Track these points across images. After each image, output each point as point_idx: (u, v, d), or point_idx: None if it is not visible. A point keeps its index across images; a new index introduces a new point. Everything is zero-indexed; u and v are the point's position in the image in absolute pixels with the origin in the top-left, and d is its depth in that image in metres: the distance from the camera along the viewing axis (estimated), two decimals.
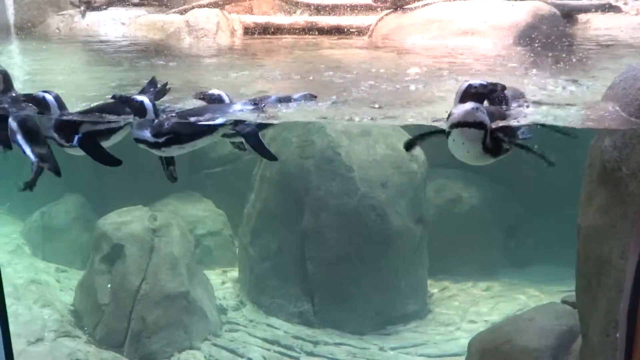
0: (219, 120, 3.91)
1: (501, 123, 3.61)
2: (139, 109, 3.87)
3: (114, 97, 3.99)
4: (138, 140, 3.93)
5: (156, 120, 3.88)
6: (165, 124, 3.88)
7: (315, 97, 4.23)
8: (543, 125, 3.84)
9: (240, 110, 4.00)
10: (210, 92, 4.25)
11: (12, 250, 9.27)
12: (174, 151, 3.99)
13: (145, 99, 3.90)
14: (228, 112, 3.98)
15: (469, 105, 3.40)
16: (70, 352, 7.04)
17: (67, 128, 4.07)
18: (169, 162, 4.17)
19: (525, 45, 6.70)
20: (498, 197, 8.95)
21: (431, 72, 5.60)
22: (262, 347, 7.40)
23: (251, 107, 4.03)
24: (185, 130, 3.89)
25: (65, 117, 4.04)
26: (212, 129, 3.93)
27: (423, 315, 7.95)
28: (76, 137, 4.08)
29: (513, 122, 3.77)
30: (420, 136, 3.91)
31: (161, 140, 3.87)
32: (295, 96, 4.22)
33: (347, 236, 7.60)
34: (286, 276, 7.91)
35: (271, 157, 4.60)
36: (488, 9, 7.25)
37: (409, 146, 4.21)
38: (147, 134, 3.88)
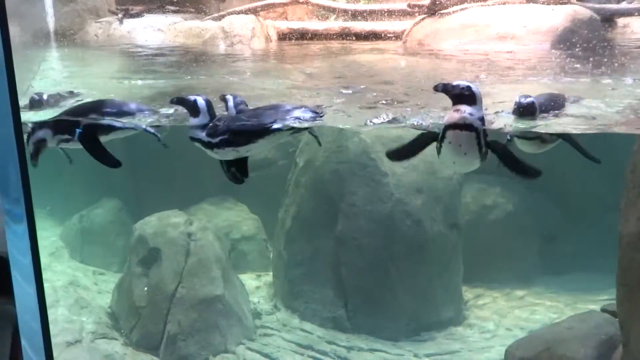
0: (276, 125, 3.86)
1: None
2: (192, 108, 3.87)
3: (171, 101, 4.01)
4: (193, 139, 3.92)
5: (214, 120, 3.86)
6: (221, 124, 3.85)
7: (319, 113, 4.17)
8: (568, 141, 3.88)
9: (299, 117, 3.96)
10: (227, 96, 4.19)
11: (52, 253, 9.44)
12: (228, 154, 3.95)
13: (199, 97, 3.90)
14: (287, 117, 3.94)
15: (463, 108, 3.48)
16: (107, 353, 7.14)
17: (68, 123, 4.13)
18: (229, 163, 4.12)
19: (565, 50, 6.61)
20: (535, 203, 8.83)
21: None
22: (296, 351, 7.40)
23: (310, 113, 4.01)
24: (241, 133, 3.84)
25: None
26: (268, 133, 3.88)
27: (458, 322, 7.87)
28: (77, 132, 4.11)
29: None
30: (412, 146, 3.92)
31: (215, 140, 3.85)
32: (302, 111, 4.15)
33: (381, 242, 7.57)
34: (320, 281, 7.90)
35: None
36: (525, 14, 7.17)
37: (394, 158, 4.15)
38: (201, 134, 3.86)
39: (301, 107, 4.12)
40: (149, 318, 7.43)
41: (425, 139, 3.82)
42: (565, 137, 4.03)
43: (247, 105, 4.17)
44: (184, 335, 7.26)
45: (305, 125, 3.98)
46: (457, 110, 3.51)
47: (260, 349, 7.43)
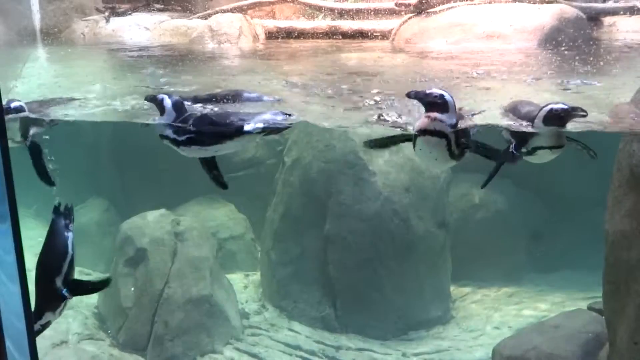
0: (247, 127, 3.87)
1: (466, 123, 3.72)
2: (159, 106, 3.89)
3: (145, 98, 4.02)
4: (161, 137, 3.92)
5: (181, 118, 3.86)
6: (189, 123, 3.85)
7: (290, 115, 4.15)
8: (570, 139, 3.77)
9: (269, 119, 3.96)
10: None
11: (38, 254, 9.35)
12: (194, 152, 3.94)
13: (165, 96, 3.90)
14: (256, 119, 3.94)
15: (434, 115, 3.53)
16: (94, 354, 7.09)
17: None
18: (210, 165, 4.11)
19: (551, 49, 6.63)
20: (523, 202, 8.86)
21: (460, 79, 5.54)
22: (284, 351, 7.39)
23: (281, 116, 4.01)
24: (208, 132, 3.84)
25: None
26: (235, 134, 3.88)
27: (446, 320, 7.89)
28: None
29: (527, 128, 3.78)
30: (390, 138, 3.96)
31: (181, 138, 3.84)
32: (272, 114, 4.13)
33: (369, 241, 7.56)
34: (308, 280, 7.89)
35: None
36: (512, 13, 7.19)
37: (371, 144, 4.17)
38: (169, 131, 3.86)
39: (257, 96, 4.14)
40: (135, 319, 7.39)
41: (401, 138, 3.88)
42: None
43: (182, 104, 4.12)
44: (171, 336, 7.22)
45: (274, 127, 3.98)
46: (428, 117, 3.55)
47: (248, 349, 7.40)
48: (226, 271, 8.47)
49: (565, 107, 3.58)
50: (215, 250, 8.12)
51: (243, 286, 8.70)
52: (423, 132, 3.57)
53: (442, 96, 3.54)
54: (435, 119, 3.52)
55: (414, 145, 3.68)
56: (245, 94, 4.28)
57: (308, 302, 7.87)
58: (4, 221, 2.38)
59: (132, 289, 7.49)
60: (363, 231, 7.57)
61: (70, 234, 4.32)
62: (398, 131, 4.05)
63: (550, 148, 3.76)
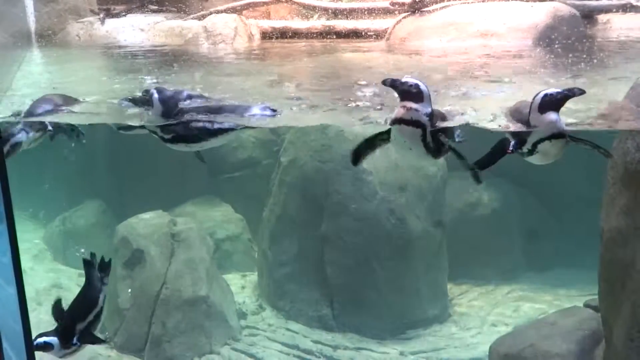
0: (229, 124, 3.94)
1: (444, 124, 3.66)
2: (150, 101, 3.98)
3: (143, 93, 4.11)
4: (150, 132, 4.06)
5: (170, 114, 3.97)
6: (175, 122, 3.95)
7: (275, 110, 4.16)
8: (574, 139, 3.62)
9: (257, 114, 4.01)
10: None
11: (35, 255, 9.36)
12: (181, 148, 4.09)
13: (155, 91, 3.98)
14: (244, 114, 3.99)
15: (409, 104, 3.47)
16: (91, 356, 7.08)
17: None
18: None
19: (545, 47, 6.64)
20: (519, 200, 8.88)
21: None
22: (282, 351, 7.40)
23: (269, 112, 4.04)
24: (192, 132, 3.95)
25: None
26: (220, 131, 3.95)
27: (443, 319, 7.90)
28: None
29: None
30: (365, 144, 3.91)
31: (167, 137, 3.98)
32: (260, 109, 4.15)
33: (366, 240, 7.57)
34: (305, 280, 7.90)
35: None
36: (506, 11, 7.20)
37: (356, 160, 4.08)
38: (156, 128, 4.00)
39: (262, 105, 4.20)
40: (133, 320, 7.38)
41: (380, 137, 3.81)
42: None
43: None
44: (168, 337, 7.23)
45: (261, 122, 4.03)
46: (403, 107, 3.49)
47: (245, 349, 7.41)
48: (223, 272, 8.48)
49: (560, 89, 3.44)
50: (212, 251, 8.12)
51: (240, 286, 8.71)
52: (398, 121, 3.51)
53: (416, 85, 3.47)
54: (410, 108, 3.46)
55: (388, 135, 3.63)
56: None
57: (305, 301, 7.88)
58: (0, 223, 2.38)
59: (129, 290, 7.49)
60: (360, 231, 7.58)
61: (104, 288, 4.69)
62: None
63: (549, 138, 3.51)
